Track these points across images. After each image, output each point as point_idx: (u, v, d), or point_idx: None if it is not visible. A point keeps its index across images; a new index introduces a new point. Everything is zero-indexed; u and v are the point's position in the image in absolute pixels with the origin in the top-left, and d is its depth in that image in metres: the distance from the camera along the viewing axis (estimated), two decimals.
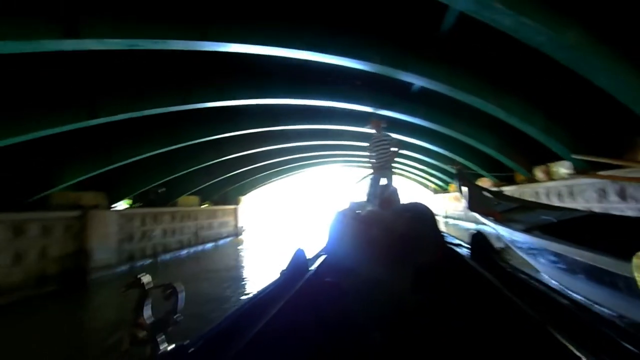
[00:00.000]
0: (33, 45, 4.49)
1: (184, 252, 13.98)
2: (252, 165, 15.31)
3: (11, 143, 6.24)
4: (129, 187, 11.14)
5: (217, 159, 12.37)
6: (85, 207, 9.36)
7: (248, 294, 6.96)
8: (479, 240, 2.08)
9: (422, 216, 2.14)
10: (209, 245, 15.99)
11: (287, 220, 29.46)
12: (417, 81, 6.94)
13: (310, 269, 2.05)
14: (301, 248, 2.09)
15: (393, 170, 4.77)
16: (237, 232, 19.28)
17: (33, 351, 4.70)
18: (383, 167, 4.50)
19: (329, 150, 15.89)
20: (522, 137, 8.24)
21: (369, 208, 3.55)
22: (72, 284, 8.63)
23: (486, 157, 10.96)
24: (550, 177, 9.50)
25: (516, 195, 7.85)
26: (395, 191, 2.43)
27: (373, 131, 4.84)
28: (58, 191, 8.80)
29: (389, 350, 1.48)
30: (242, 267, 11.33)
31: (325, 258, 2.26)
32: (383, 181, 4.43)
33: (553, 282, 3.78)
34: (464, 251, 2.21)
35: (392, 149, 4.71)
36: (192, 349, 0.98)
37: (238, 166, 14.73)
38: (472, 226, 8.01)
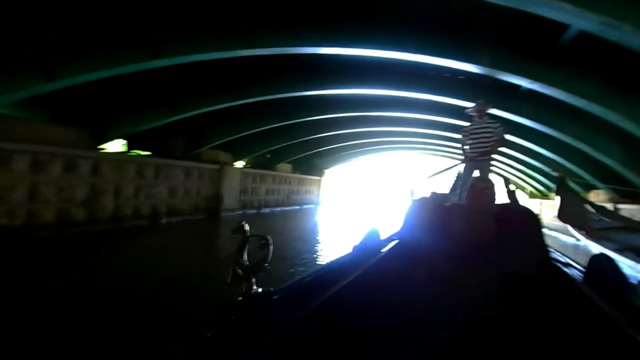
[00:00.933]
0: (227, 54, 7.05)
1: (278, 209, 17.15)
2: (339, 143, 17.45)
3: (195, 114, 9.38)
4: (248, 151, 14.34)
5: (311, 136, 14.79)
6: (220, 163, 12.71)
7: (322, 250, 9.09)
8: (602, 265, 1.71)
9: (524, 221, 1.95)
10: (296, 207, 19.02)
11: (363, 198, 30.96)
12: (527, 84, 7.09)
13: (381, 251, 2.05)
14: (375, 228, 2.09)
15: (491, 162, 4.15)
16: (318, 201, 22.09)
17: (196, 242, 7.90)
18: (479, 157, 3.95)
19: (414, 137, 16.88)
20: None
21: (454, 200, 3.37)
22: (210, 217, 12.13)
23: (603, 167, 10.09)
24: None
25: (637, 216, 6.96)
26: (492, 187, 2.13)
27: (474, 113, 4.20)
28: (205, 150, 12.22)
29: (455, 353, 1.39)
30: (322, 228, 13.75)
31: (398, 243, 2.21)
32: (476, 174, 3.88)
33: None
34: (574, 272, 1.91)
35: (495, 138, 4.02)
36: (276, 297, 1.12)
37: (326, 143, 17.04)
38: (571, 240, 7.97)
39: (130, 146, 10.24)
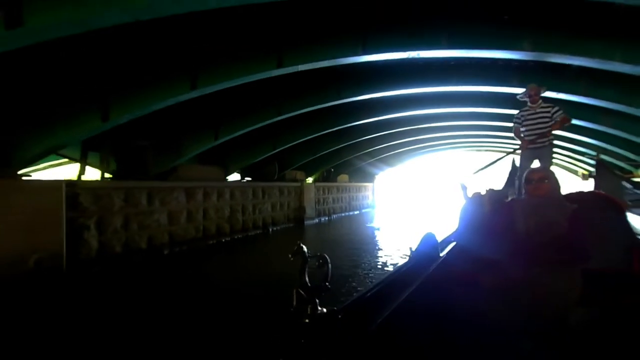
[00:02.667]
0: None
1: (343, 214, 19.79)
2: (388, 152, 19.78)
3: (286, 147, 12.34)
4: (317, 168, 17.23)
5: (364, 150, 17.30)
6: (299, 180, 15.65)
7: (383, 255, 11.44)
8: None
9: (602, 210, 1.73)
10: (356, 212, 21.54)
11: (413, 198, 32.50)
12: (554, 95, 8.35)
13: (440, 255, 1.97)
14: (431, 232, 2.01)
15: (553, 148, 3.87)
16: (373, 205, 24.46)
17: (292, 241, 10.58)
18: (536, 143, 3.65)
19: (458, 131, 18.41)
20: None
21: (513, 194, 3.14)
22: (298, 225, 15.04)
23: None
24: None
25: None
26: (552, 176, 1.86)
27: (526, 99, 3.93)
28: (288, 171, 15.22)
29: None
30: (383, 226, 16.11)
31: (456, 246, 2.12)
32: (535, 163, 3.62)
33: None
34: None
35: (556, 120, 3.69)
36: (340, 316, 1.10)
37: (377, 154, 19.46)
38: None
39: (242, 174, 13.49)
